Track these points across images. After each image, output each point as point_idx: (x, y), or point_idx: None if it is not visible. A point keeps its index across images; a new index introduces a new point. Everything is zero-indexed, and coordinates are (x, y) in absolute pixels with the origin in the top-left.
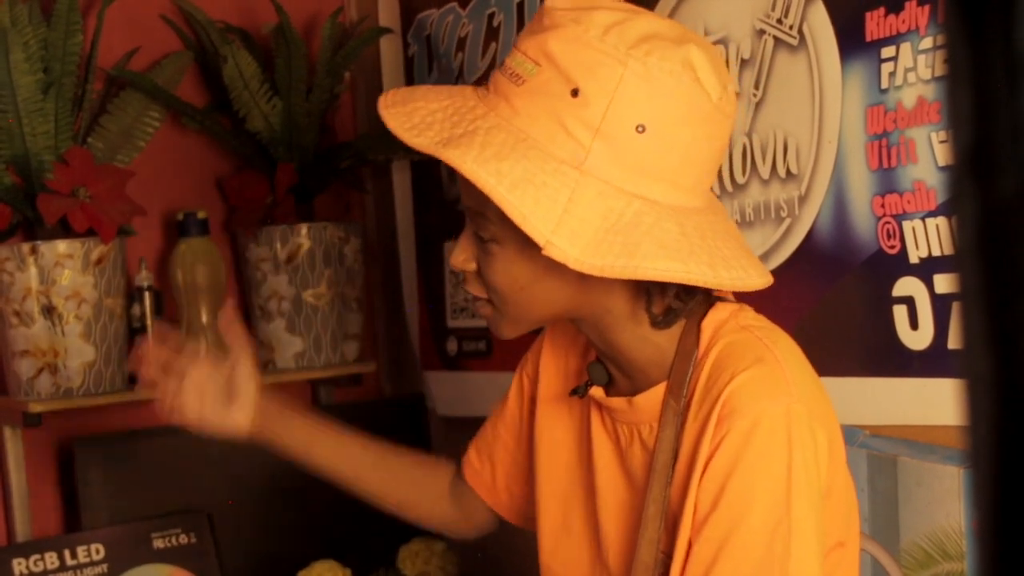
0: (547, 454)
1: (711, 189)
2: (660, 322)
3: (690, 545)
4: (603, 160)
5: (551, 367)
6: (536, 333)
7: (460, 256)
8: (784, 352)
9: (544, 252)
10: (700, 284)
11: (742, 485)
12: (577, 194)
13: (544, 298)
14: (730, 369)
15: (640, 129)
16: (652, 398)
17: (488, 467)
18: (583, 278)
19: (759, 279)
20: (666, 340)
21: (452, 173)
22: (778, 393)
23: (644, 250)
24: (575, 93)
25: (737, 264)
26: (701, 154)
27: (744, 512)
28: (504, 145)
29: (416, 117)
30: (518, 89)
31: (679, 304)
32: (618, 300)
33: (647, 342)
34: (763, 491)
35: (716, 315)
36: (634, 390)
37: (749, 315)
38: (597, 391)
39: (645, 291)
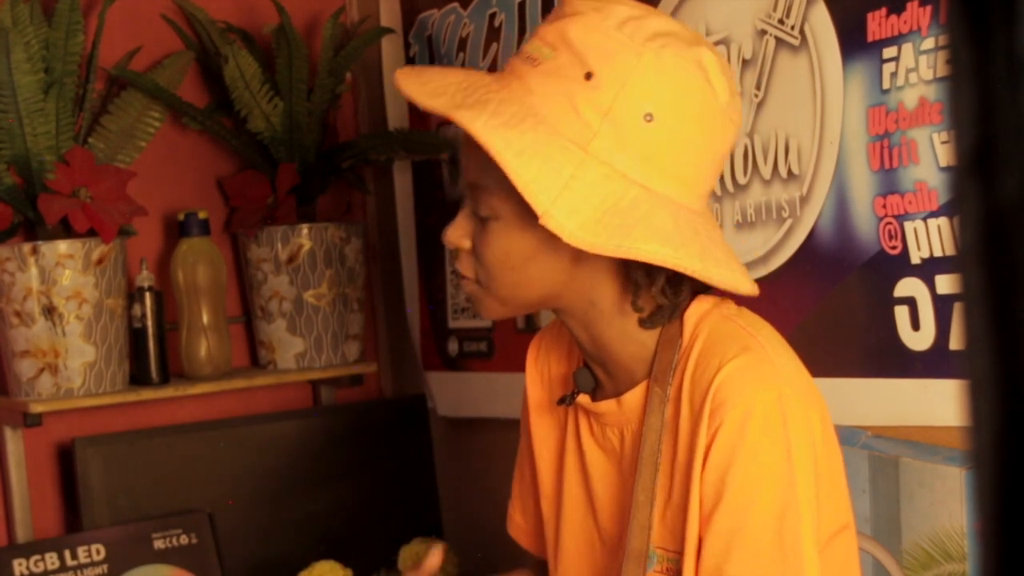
0: (544, 464)
1: (709, 197)
2: (646, 320)
3: (700, 540)
4: (609, 144)
5: (535, 376)
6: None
7: (456, 232)
8: (768, 338)
9: (541, 221)
10: (688, 272)
11: (744, 473)
12: (580, 172)
13: (534, 279)
14: (717, 359)
15: (648, 118)
16: (639, 395)
17: (531, 519)
18: (574, 263)
19: (746, 284)
20: (650, 336)
21: (453, 173)
22: (768, 379)
23: (637, 233)
24: (588, 76)
25: (727, 266)
26: (704, 155)
27: (750, 501)
28: (514, 116)
29: (430, 86)
30: (533, 70)
31: (665, 300)
32: (605, 291)
33: (631, 338)
34: (767, 477)
35: (698, 306)
36: (619, 392)
37: (731, 307)
38: (584, 398)
39: (633, 283)
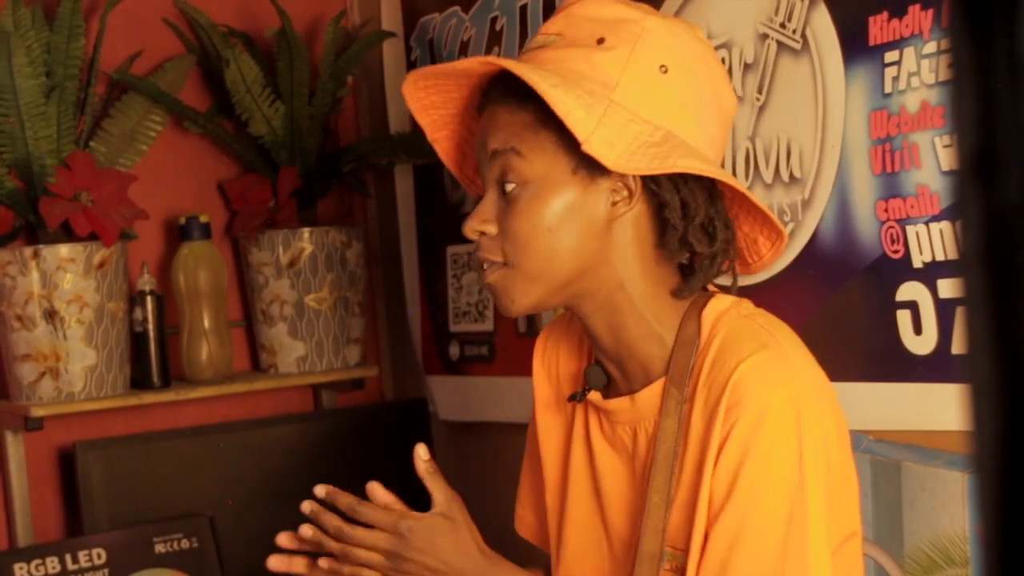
0: (549, 460)
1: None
2: (679, 290)
3: (707, 537)
4: (630, 93)
5: (541, 372)
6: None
7: (477, 219)
8: (786, 338)
9: (584, 148)
10: (729, 182)
11: (755, 473)
12: (610, 113)
13: (567, 245)
14: (735, 356)
15: (663, 69)
16: (654, 393)
17: (541, 515)
18: (607, 225)
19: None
20: (668, 333)
21: (455, 177)
22: (784, 379)
23: (676, 155)
24: (600, 41)
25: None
26: (714, 107)
27: (758, 500)
28: (542, 67)
29: (442, 67)
30: (543, 51)
31: (704, 248)
32: (638, 262)
33: (651, 334)
34: (777, 478)
35: (717, 305)
36: (632, 389)
37: (749, 306)
38: (595, 395)
39: (671, 228)
